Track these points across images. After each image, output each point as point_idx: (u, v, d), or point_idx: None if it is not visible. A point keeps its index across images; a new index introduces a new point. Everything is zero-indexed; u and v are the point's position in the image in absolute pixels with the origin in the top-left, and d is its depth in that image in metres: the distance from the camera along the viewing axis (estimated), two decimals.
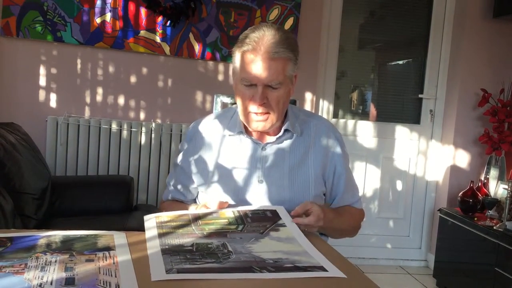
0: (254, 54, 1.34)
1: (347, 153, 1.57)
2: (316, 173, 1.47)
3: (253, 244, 1.13)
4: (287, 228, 1.24)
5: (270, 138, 1.48)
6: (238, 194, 1.45)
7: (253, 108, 1.38)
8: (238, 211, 1.31)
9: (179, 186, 1.58)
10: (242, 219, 1.27)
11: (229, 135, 1.49)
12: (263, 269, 0.99)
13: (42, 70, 3.10)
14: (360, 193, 1.84)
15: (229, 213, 1.30)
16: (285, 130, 1.47)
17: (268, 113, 1.38)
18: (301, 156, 1.47)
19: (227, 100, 1.99)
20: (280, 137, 1.47)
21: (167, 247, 1.06)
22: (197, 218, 1.27)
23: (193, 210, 1.40)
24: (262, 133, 1.48)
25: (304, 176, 1.46)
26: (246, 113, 1.41)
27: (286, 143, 1.47)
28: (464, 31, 3.46)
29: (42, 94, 3.11)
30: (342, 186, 1.53)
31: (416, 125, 3.71)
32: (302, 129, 1.50)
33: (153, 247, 1.07)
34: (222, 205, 1.33)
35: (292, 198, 1.44)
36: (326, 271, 1.02)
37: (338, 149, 1.52)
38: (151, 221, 1.26)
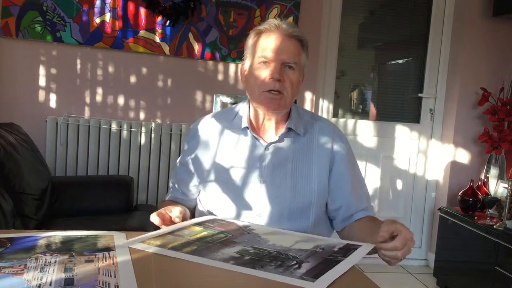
0: (273, 33, 1.40)
1: (354, 156, 1.53)
2: (319, 175, 1.44)
3: (271, 239, 1.17)
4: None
5: (273, 137, 1.46)
6: (239, 193, 1.43)
7: (269, 85, 1.39)
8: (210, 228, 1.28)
9: (178, 185, 1.58)
10: (223, 232, 1.25)
11: (233, 133, 1.48)
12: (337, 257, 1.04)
13: (42, 71, 3.10)
14: None
15: (206, 230, 1.26)
16: (288, 129, 1.45)
17: (282, 93, 1.40)
18: (304, 157, 1.45)
19: (227, 100, 1.99)
20: (282, 135, 1.45)
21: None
22: (181, 233, 1.20)
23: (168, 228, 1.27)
24: (266, 132, 1.46)
25: (307, 178, 1.43)
26: (260, 93, 1.41)
27: (289, 144, 1.46)
28: (464, 30, 3.46)
29: (41, 94, 3.11)
30: (348, 190, 1.46)
31: (416, 124, 3.71)
32: (306, 130, 1.48)
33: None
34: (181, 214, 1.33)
35: (293, 199, 1.42)
36: (360, 245, 1.12)
37: (343, 152, 1.48)
38: (137, 245, 1.10)
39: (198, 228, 1.25)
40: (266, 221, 1.40)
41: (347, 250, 1.10)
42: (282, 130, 1.46)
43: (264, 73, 1.39)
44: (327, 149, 1.46)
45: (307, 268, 0.98)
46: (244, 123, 1.46)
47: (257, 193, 1.42)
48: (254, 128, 1.48)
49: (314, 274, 0.95)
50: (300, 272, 0.96)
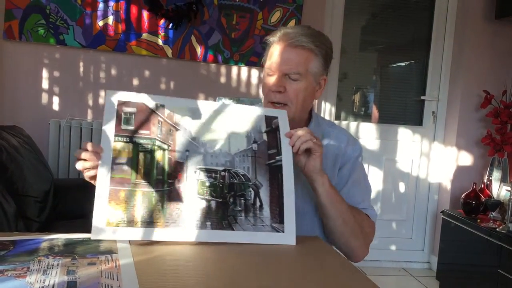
0: (279, 43, 1.36)
1: (362, 165, 1.51)
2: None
3: (207, 141, 1.22)
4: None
5: None
6: None
7: (271, 96, 1.37)
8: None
9: None
10: (152, 140, 1.19)
11: None
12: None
13: (45, 73, 3.11)
14: None
15: (138, 145, 1.17)
16: None
17: (286, 104, 1.37)
18: None
19: (229, 102, 1.99)
20: None
21: None
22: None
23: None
24: None
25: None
26: (266, 103, 1.40)
27: None
28: (466, 32, 3.46)
29: (44, 97, 3.12)
30: (348, 187, 1.44)
31: (419, 127, 3.71)
32: (323, 138, 1.47)
33: None
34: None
35: (298, 204, 1.36)
36: (276, 117, 1.28)
37: (352, 158, 1.46)
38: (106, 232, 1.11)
39: (126, 146, 1.16)
40: None
41: (270, 128, 1.27)
42: None
43: (269, 84, 1.38)
44: (338, 156, 1.45)
45: (268, 203, 1.19)
46: None
47: None
48: None
49: (278, 216, 1.19)
50: (266, 216, 1.18)
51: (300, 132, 1.25)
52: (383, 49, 3.80)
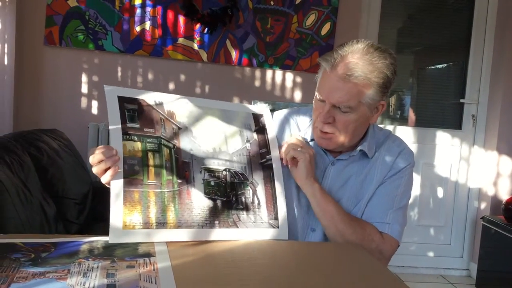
0: (331, 71, 1.27)
1: (408, 181, 1.41)
2: (369, 196, 1.38)
3: (207, 140, 1.25)
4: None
5: (342, 155, 1.40)
6: (297, 203, 1.38)
7: (319, 124, 1.33)
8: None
9: None
10: (159, 139, 1.18)
11: (305, 139, 1.43)
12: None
13: (84, 78, 3.17)
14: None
15: (145, 146, 1.17)
16: (360, 151, 1.39)
17: (333, 133, 1.32)
18: (364, 177, 1.39)
19: (264, 105, 1.98)
20: (352, 156, 1.39)
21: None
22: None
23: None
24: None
25: (359, 199, 1.37)
26: (314, 126, 1.36)
27: (356, 164, 1.40)
28: (507, 33, 3.37)
29: (84, 101, 3.18)
30: (375, 200, 1.37)
31: (458, 130, 3.62)
32: (376, 151, 1.41)
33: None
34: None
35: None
36: (262, 114, 1.37)
37: (396, 172, 1.38)
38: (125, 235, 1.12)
39: (134, 145, 1.15)
40: (320, 235, 1.37)
41: (259, 127, 1.35)
42: (353, 150, 1.39)
43: (318, 110, 1.33)
44: (386, 169, 1.39)
45: (264, 201, 1.26)
46: (313, 135, 1.41)
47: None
48: None
49: (273, 212, 1.25)
50: (264, 213, 1.24)
51: (287, 143, 1.33)
52: (420, 51, 3.74)
